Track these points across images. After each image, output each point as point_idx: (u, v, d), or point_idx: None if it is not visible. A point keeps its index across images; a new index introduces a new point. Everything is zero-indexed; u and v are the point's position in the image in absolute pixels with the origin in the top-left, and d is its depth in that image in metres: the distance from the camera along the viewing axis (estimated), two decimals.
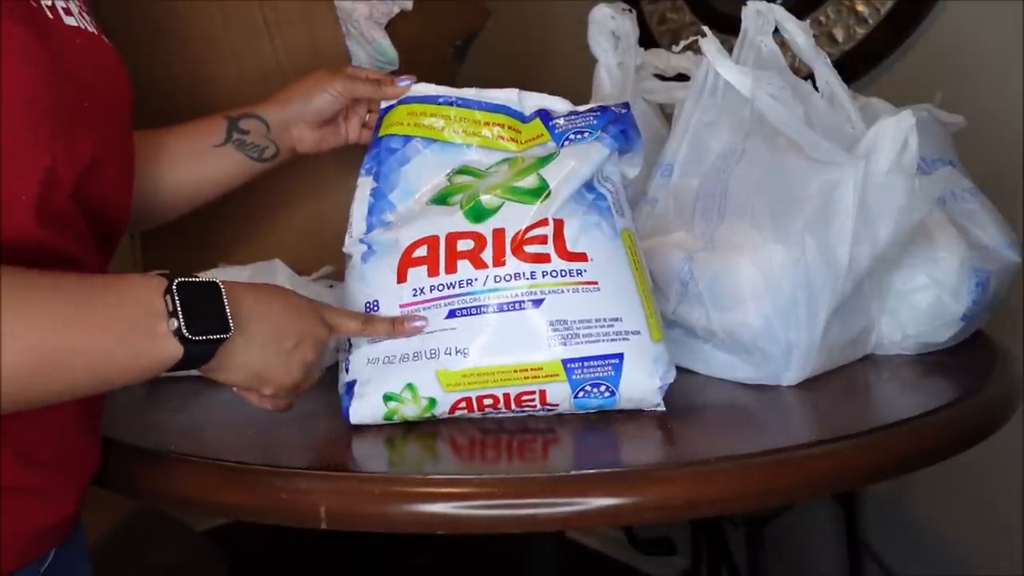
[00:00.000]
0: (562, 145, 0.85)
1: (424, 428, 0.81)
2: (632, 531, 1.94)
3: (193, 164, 0.95)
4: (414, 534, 0.73)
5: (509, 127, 0.87)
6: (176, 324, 0.64)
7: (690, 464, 0.73)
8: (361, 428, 0.82)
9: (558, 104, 0.88)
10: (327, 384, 0.83)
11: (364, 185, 0.88)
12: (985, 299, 1.00)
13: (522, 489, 0.70)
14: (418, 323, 0.81)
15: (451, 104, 0.88)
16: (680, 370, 0.91)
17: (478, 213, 0.82)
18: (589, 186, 0.83)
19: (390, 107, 0.91)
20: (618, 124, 0.85)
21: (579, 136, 0.84)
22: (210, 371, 0.70)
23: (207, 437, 0.86)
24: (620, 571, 2.16)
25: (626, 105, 0.88)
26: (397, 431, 0.82)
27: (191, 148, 0.95)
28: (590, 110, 0.87)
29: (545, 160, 0.84)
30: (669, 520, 1.73)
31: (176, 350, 0.64)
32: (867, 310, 0.97)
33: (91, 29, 0.74)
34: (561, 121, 0.86)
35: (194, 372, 0.71)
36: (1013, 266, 1.05)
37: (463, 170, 0.86)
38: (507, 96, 0.89)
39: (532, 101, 0.89)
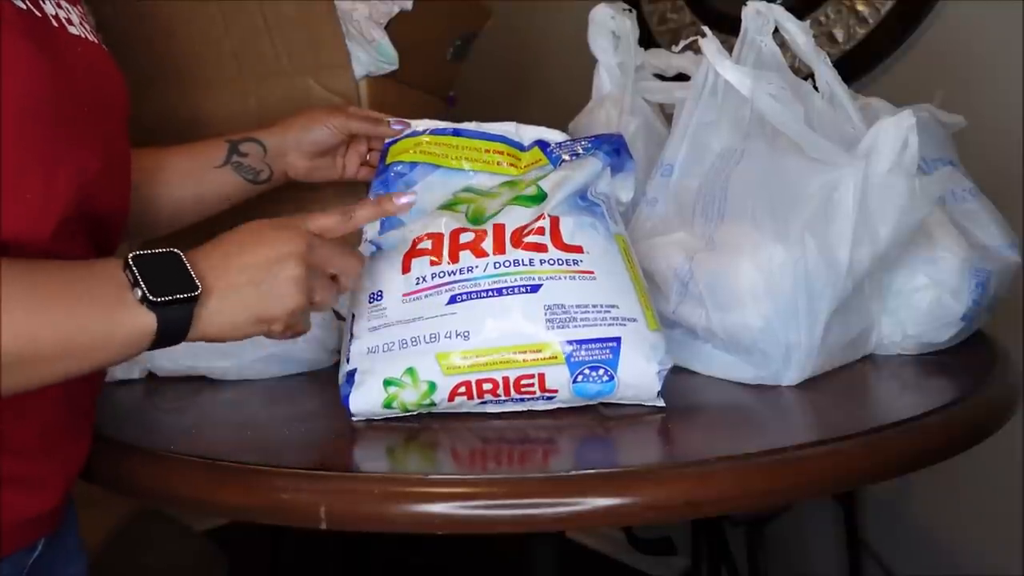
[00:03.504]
0: (559, 164, 0.90)
1: (424, 437, 0.81)
2: (632, 531, 1.95)
3: (191, 182, 0.98)
4: (414, 534, 0.73)
5: (509, 154, 0.92)
6: (140, 292, 0.64)
7: (690, 464, 0.73)
8: (362, 429, 0.82)
9: (555, 135, 0.93)
10: (326, 384, 0.83)
11: None
12: (985, 299, 1.00)
13: (522, 489, 0.70)
14: (405, 199, 0.81)
15: (454, 135, 0.93)
16: (680, 370, 0.91)
17: (480, 218, 0.86)
18: (583, 196, 0.86)
19: (395, 140, 0.95)
20: (611, 143, 0.90)
21: (574, 156, 0.90)
22: (207, 338, 0.69)
23: (207, 437, 0.86)
24: (620, 571, 2.16)
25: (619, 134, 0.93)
26: (398, 439, 0.82)
27: (191, 168, 0.98)
28: (585, 137, 0.92)
29: (543, 174, 0.89)
30: (669, 520, 1.73)
31: (149, 319, 0.65)
32: (867, 310, 0.96)
33: (91, 38, 0.76)
34: (557, 147, 0.91)
35: (194, 372, 0.71)
36: (1013, 266, 1.05)
37: (468, 189, 0.90)
38: (505, 128, 0.93)
39: (530, 133, 0.93)
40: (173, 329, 0.66)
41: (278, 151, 1.00)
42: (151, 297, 0.64)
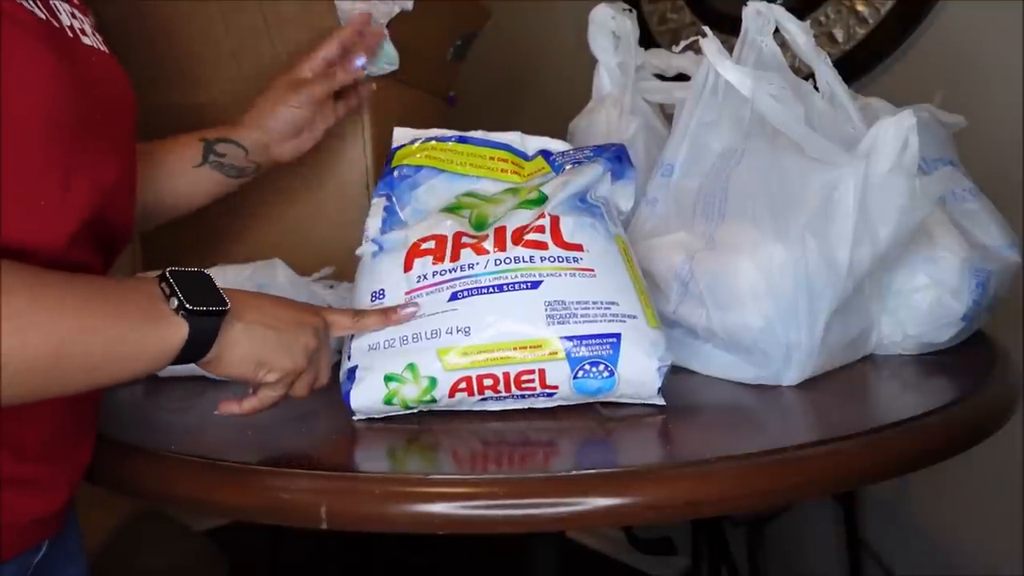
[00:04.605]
0: (561, 172, 0.91)
1: (425, 438, 0.82)
2: (632, 531, 1.95)
3: (170, 182, 0.98)
4: (414, 534, 0.73)
5: (513, 162, 0.93)
6: (176, 302, 0.67)
7: (690, 464, 0.73)
8: (362, 429, 0.82)
9: (558, 145, 0.95)
10: (327, 384, 0.83)
11: (378, 204, 0.92)
12: (986, 299, 1.00)
13: (522, 489, 0.70)
14: (409, 310, 0.83)
15: (460, 142, 0.94)
16: (680, 370, 0.91)
17: (484, 223, 0.87)
18: (583, 198, 0.87)
19: (401, 145, 0.96)
20: (613, 151, 0.92)
21: (576, 164, 0.91)
22: (213, 361, 0.71)
23: (207, 437, 0.86)
24: (620, 571, 2.17)
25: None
26: (398, 439, 0.82)
27: (169, 167, 0.99)
28: (588, 147, 0.94)
29: (545, 182, 0.90)
30: (670, 520, 1.73)
31: (181, 328, 0.67)
32: (867, 310, 0.97)
33: (104, 48, 0.77)
34: (560, 156, 0.93)
35: (196, 372, 0.71)
36: (1013, 266, 1.05)
37: (470, 194, 0.91)
38: (510, 137, 0.95)
39: (534, 143, 0.95)
40: (200, 340, 0.68)
41: (258, 147, 1.01)
42: (187, 306, 0.67)
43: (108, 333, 0.64)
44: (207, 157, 0.97)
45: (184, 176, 0.98)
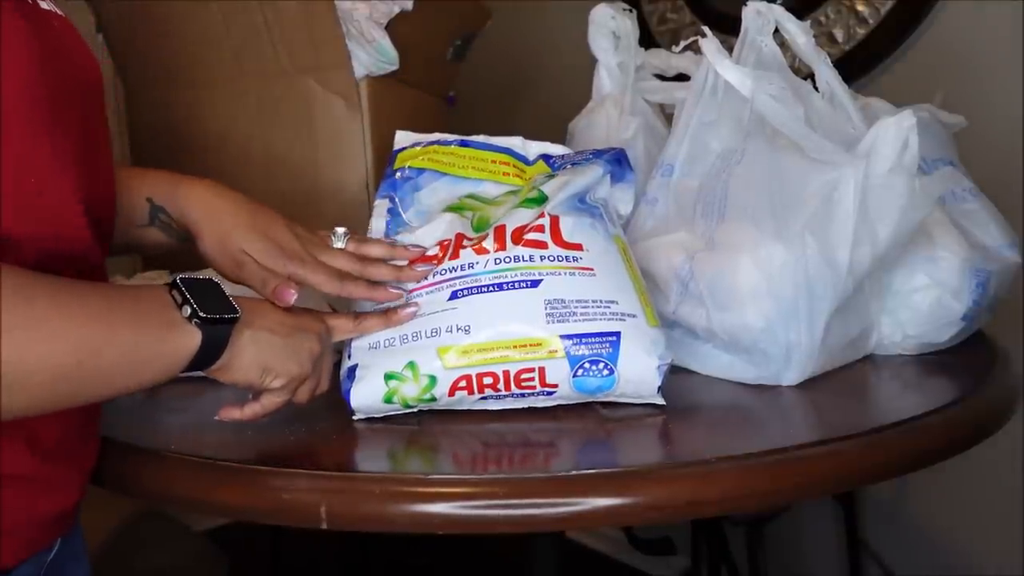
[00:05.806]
0: (561, 168, 0.91)
1: (425, 438, 0.82)
2: (632, 531, 1.95)
3: (117, 236, 0.87)
4: (414, 534, 0.73)
5: (514, 165, 0.94)
6: (189, 310, 0.67)
7: (691, 464, 0.73)
8: (362, 430, 0.82)
9: (559, 149, 0.95)
10: (327, 389, 0.83)
11: (381, 206, 0.93)
12: (986, 299, 1.00)
13: (522, 489, 0.70)
14: (409, 310, 0.83)
15: (461, 145, 0.94)
16: (680, 370, 0.91)
17: (485, 225, 0.88)
18: (582, 199, 0.88)
19: (402, 148, 0.96)
20: (613, 153, 0.92)
21: (576, 164, 0.91)
22: (222, 368, 0.71)
23: (207, 437, 0.86)
24: (620, 571, 2.17)
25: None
26: (398, 440, 0.82)
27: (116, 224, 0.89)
28: (588, 150, 0.94)
29: (546, 179, 0.90)
30: (670, 520, 1.73)
31: (194, 336, 0.67)
32: (867, 310, 0.97)
33: (61, 12, 0.74)
34: (560, 159, 0.93)
35: (195, 373, 0.71)
36: (1013, 266, 1.05)
37: (472, 196, 0.92)
38: (511, 142, 0.95)
39: (535, 147, 0.95)
40: (212, 350, 0.68)
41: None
42: (201, 314, 0.66)
43: (124, 341, 0.64)
44: (154, 219, 0.89)
45: (128, 233, 0.89)
